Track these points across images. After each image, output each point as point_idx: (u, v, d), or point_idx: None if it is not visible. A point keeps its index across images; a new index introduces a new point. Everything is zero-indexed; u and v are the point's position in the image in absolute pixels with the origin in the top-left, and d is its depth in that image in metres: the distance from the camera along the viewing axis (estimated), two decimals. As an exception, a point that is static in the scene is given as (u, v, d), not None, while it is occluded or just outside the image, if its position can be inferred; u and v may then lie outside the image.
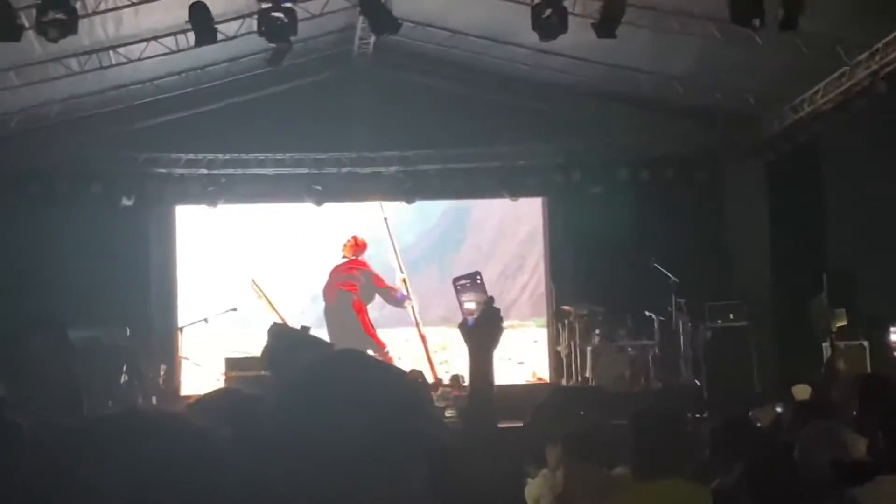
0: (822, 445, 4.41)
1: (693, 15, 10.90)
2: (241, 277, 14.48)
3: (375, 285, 14.67)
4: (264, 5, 10.22)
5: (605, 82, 13.30)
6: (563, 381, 13.73)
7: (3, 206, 13.73)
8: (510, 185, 14.54)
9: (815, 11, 9.59)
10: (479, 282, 2.77)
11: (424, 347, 14.52)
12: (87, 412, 10.65)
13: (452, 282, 2.78)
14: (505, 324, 2.75)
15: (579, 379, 13.35)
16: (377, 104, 13.96)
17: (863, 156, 12.34)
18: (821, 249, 13.29)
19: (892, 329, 11.51)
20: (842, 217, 12.97)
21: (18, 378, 11.06)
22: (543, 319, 14.79)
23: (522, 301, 14.89)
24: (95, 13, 10.39)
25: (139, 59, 11.75)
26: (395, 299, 14.67)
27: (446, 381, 13.46)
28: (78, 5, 9.71)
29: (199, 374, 13.57)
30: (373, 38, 13.06)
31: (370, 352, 9.65)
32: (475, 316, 2.70)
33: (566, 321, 13.81)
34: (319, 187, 14.30)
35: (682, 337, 13.18)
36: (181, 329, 13.75)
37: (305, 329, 8.82)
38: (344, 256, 14.66)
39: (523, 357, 14.48)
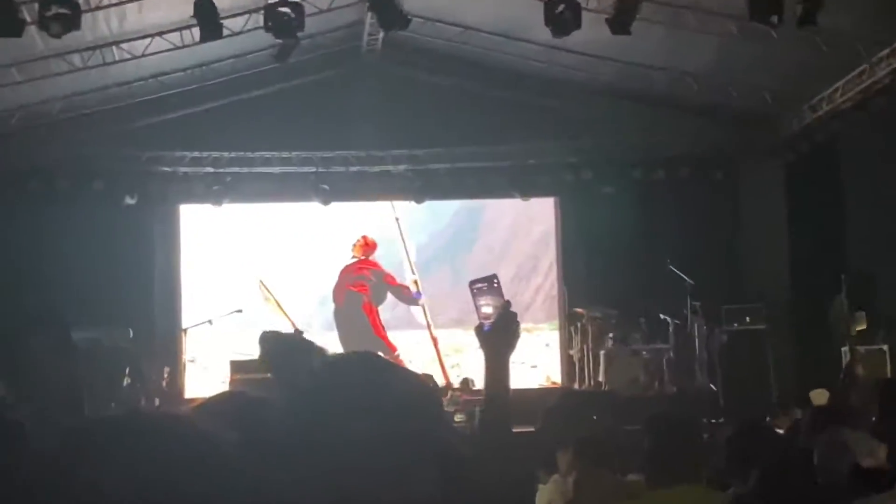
0: (841, 452, 4.33)
1: (710, 11, 10.76)
2: (246, 278, 14.30)
3: (388, 284, 14.41)
4: (271, 0, 10.05)
5: (618, 80, 13.14)
6: (576, 385, 13.56)
7: (2, 204, 13.60)
8: (521, 185, 14.33)
9: (835, 8, 9.46)
10: (496, 285, 2.73)
11: (436, 350, 14.29)
12: (89, 414, 10.53)
13: (469, 284, 2.74)
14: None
15: (592, 383, 13.21)
16: (385, 102, 13.76)
17: (882, 155, 12.25)
18: (840, 250, 13.17)
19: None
20: (861, 217, 12.87)
21: (19, 377, 10.96)
22: (556, 322, 14.57)
23: (536, 305, 14.69)
24: (98, 8, 10.28)
25: (143, 55, 11.63)
26: (408, 297, 14.41)
27: (456, 384, 13.26)
28: (81, 0, 9.55)
29: (204, 376, 13.43)
30: (381, 34, 12.88)
31: (380, 354, 9.44)
32: (492, 320, 2.67)
33: (579, 324, 13.64)
34: (326, 186, 14.07)
35: (697, 340, 12.99)
36: (185, 331, 13.62)
37: (299, 333, 8.67)
38: (353, 256, 14.41)
39: (536, 360, 14.26)
